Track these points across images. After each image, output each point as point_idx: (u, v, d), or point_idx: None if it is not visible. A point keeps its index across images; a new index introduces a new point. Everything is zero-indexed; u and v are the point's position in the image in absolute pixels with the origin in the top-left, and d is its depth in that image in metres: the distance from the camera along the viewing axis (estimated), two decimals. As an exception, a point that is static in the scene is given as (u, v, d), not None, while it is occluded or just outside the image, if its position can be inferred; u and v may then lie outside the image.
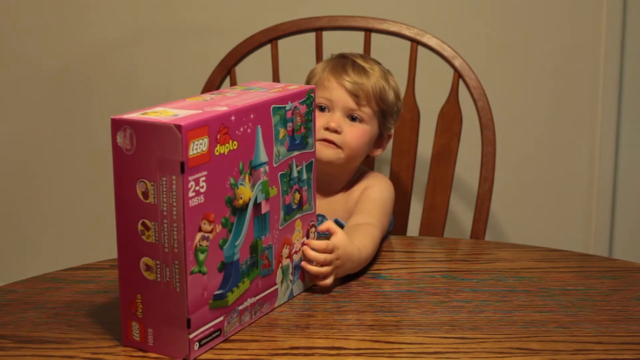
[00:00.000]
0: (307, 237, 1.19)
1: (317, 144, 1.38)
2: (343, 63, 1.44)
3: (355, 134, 1.41)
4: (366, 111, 1.42)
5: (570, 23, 2.15)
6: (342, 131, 1.40)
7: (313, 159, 1.18)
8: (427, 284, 1.22)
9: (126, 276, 0.99)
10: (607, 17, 2.13)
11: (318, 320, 1.09)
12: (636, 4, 2.15)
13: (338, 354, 1.00)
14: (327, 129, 1.39)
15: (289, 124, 1.11)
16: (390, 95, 1.45)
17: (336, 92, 1.41)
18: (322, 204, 1.44)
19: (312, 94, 1.16)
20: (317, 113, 1.41)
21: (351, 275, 1.23)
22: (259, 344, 1.03)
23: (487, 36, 2.16)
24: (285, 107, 1.10)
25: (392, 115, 1.48)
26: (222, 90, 1.12)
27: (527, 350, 1.01)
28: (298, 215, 1.16)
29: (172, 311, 0.97)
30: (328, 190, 1.45)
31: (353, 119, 1.41)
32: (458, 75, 1.64)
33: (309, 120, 1.16)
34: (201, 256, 0.97)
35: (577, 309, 1.13)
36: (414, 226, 1.74)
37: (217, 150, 0.97)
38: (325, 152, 1.39)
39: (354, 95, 1.41)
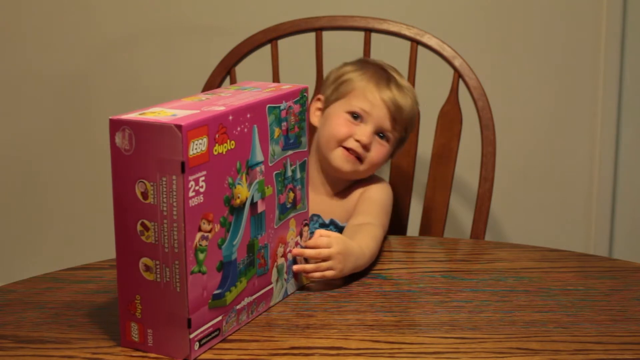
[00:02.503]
0: (301, 237, 1.19)
1: (340, 151, 1.39)
2: (387, 78, 1.44)
3: (379, 153, 1.41)
4: (395, 134, 1.43)
5: (570, 23, 2.15)
6: (370, 149, 1.40)
7: (306, 158, 1.18)
8: (427, 284, 1.22)
9: (125, 277, 0.99)
10: (607, 17, 2.13)
11: (318, 320, 1.09)
12: (636, 4, 2.15)
13: (338, 354, 1.00)
14: (357, 140, 1.39)
15: (284, 124, 1.12)
16: (415, 122, 1.48)
17: (378, 109, 1.40)
18: (320, 203, 1.44)
19: (305, 94, 1.16)
20: (348, 118, 1.40)
21: (351, 275, 1.23)
22: (259, 344, 1.03)
23: (487, 36, 2.16)
24: (280, 107, 1.10)
25: (403, 142, 1.49)
26: (217, 90, 1.12)
27: (527, 350, 1.01)
28: (292, 215, 1.16)
29: (172, 311, 0.97)
30: (327, 190, 1.45)
31: (381, 136, 1.42)
32: (458, 75, 1.64)
33: (302, 119, 1.16)
34: (201, 256, 0.97)
35: (577, 309, 1.12)
36: (414, 226, 1.74)
37: (215, 150, 0.97)
38: (345, 165, 1.40)
39: (393, 117, 1.41)
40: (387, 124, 1.41)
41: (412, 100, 1.45)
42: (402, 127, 1.44)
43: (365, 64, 1.48)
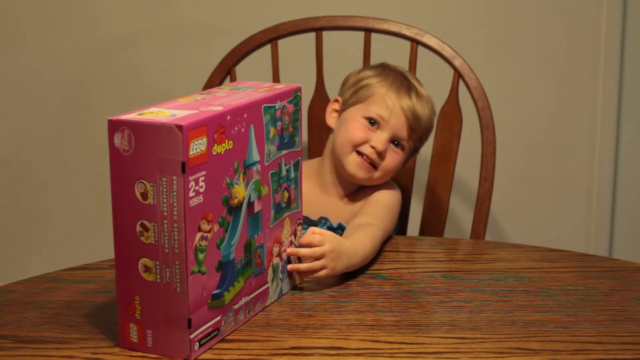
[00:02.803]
0: (295, 236, 1.19)
1: (355, 158, 1.39)
2: (407, 86, 1.43)
3: (394, 161, 1.41)
4: (410, 143, 1.43)
5: (570, 23, 2.15)
6: (385, 156, 1.40)
7: (299, 158, 1.18)
8: (427, 284, 1.22)
9: (124, 278, 0.99)
10: (607, 17, 2.13)
11: (318, 320, 1.09)
12: (636, 4, 2.15)
13: (338, 354, 1.00)
14: (372, 147, 1.39)
15: (279, 123, 1.12)
16: (430, 132, 1.47)
17: (396, 116, 1.40)
18: (330, 205, 1.44)
19: (299, 93, 1.16)
20: (365, 123, 1.40)
21: (351, 275, 1.23)
22: (259, 344, 1.03)
23: (487, 36, 2.16)
24: (274, 107, 1.10)
25: (417, 151, 1.49)
26: (211, 90, 1.12)
27: (527, 350, 1.01)
28: (287, 214, 1.16)
29: (172, 312, 0.97)
30: (339, 191, 1.45)
31: (396, 144, 1.41)
32: (458, 75, 1.64)
33: (295, 119, 1.16)
34: (201, 256, 0.97)
35: (577, 309, 1.12)
36: (414, 226, 1.74)
37: (214, 150, 0.98)
38: (359, 173, 1.40)
39: (410, 126, 1.40)
40: (403, 132, 1.40)
41: (430, 110, 1.44)
42: (418, 136, 1.43)
43: (386, 69, 1.47)
